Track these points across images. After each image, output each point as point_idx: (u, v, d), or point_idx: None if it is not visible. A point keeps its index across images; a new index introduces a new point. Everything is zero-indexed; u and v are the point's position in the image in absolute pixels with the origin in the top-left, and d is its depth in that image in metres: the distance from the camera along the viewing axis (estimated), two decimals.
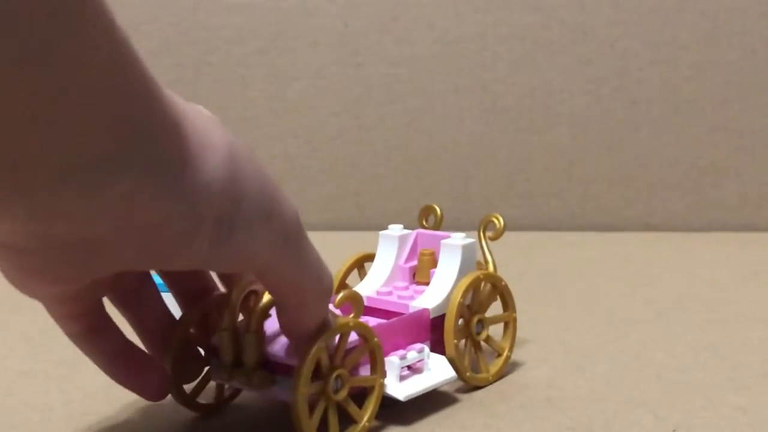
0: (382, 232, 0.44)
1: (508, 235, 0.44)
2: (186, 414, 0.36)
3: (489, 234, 0.43)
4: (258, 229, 0.26)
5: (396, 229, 0.43)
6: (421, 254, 0.42)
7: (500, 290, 0.41)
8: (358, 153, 0.82)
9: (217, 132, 0.25)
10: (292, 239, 0.28)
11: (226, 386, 0.37)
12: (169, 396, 0.34)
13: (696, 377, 0.41)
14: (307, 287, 0.30)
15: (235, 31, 0.80)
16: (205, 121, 0.25)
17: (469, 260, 0.41)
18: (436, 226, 0.44)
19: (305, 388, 0.31)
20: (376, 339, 0.34)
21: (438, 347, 0.38)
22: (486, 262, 0.43)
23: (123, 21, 0.21)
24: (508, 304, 0.42)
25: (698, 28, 0.81)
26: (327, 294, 0.31)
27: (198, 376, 0.35)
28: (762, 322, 0.50)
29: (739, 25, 0.81)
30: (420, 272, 0.42)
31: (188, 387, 0.36)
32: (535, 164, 0.83)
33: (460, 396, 0.38)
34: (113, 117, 0.21)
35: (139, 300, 0.33)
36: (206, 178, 0.24)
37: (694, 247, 0.74)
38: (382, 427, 0.35)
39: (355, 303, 0.34)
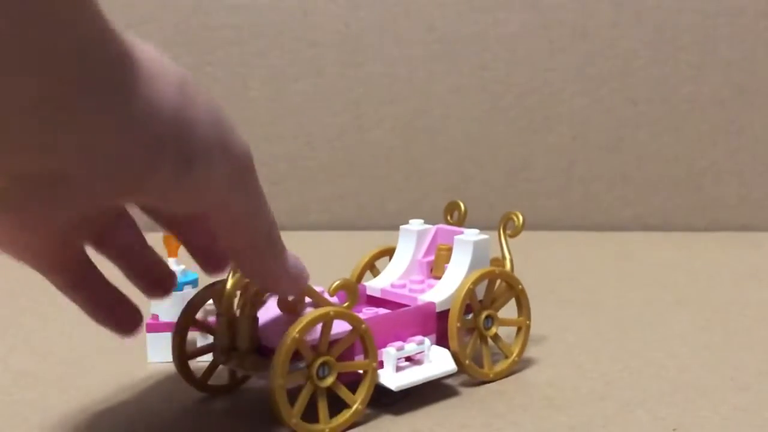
0: (402, 227, 0.44)
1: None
2: (186, 413, 0.36)
3: (508, 231, 0.44)
4: (216, 159, 0.27)
5: (416, 224, 0.44)
6: (438, 249, 0.43)
7: (516, 293, 0.41)
8: (358, 153, 0.82)
9: (170, 64, 0.27)
10: (246, 175, 0.29)
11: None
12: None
13: (696, 377, 0.41)
14: (258, 228, 0.30)
15: (235, 31, 0.80)
16: (158, 54, 0.27)
17: (481, 257, 0.41)
18: (460, 222, 0.45)
19: (281, 379, 0.32)
20: (363, 325, 0.34)
21: (444, 340, 0.38)
22: (503, 258, 0.43)
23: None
24: (522, 309, 0.42)
25: (698, 28, 0.81)
26: (276, 241, 0.31)
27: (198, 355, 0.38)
28: (762, 322, 0.50)
29: (739, 25, 0.81)
30: (436, 267, 0.43)
31: (199, 369, 0.37)
32: (535, 164, 0.83)
33: (460, 394, 0.38)
34: (68, 47, 0.21)
35: (128, 251, 0.34)
36: (158, 104, 0.25)
37: (694, 247, 0.74)
38: (381, 425, 0.35)
39: (348, 291, 0.35)
